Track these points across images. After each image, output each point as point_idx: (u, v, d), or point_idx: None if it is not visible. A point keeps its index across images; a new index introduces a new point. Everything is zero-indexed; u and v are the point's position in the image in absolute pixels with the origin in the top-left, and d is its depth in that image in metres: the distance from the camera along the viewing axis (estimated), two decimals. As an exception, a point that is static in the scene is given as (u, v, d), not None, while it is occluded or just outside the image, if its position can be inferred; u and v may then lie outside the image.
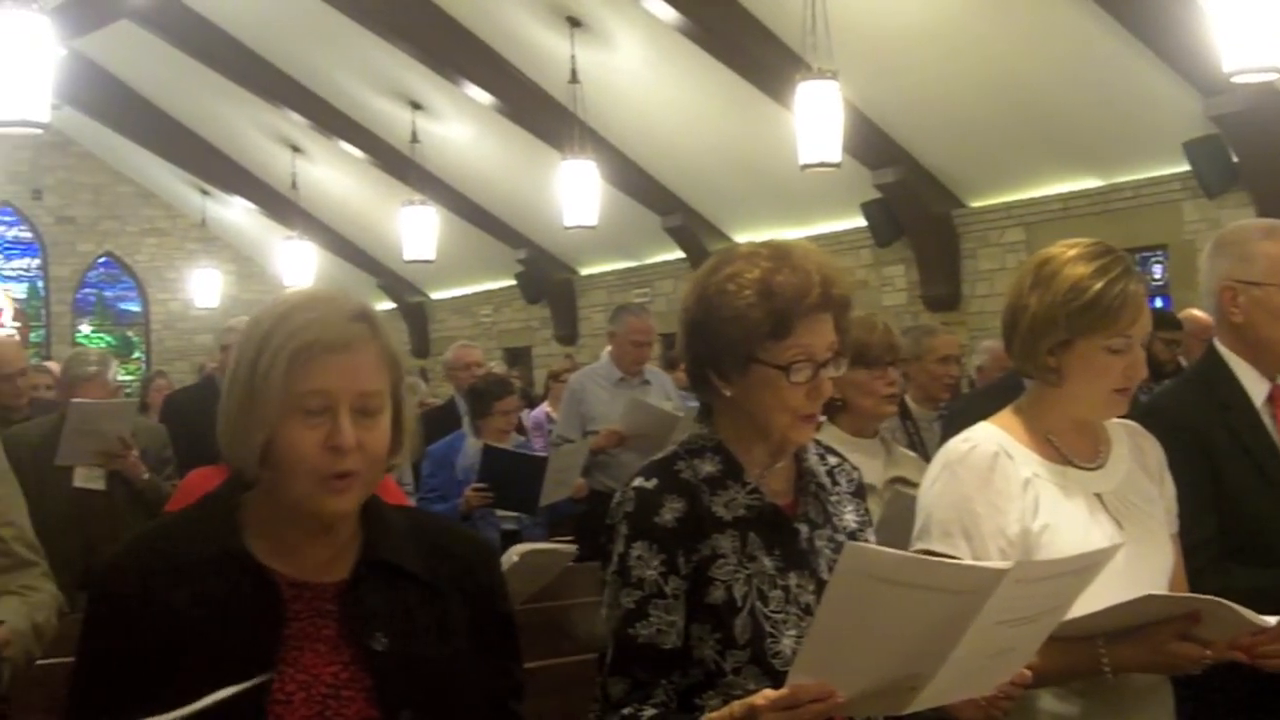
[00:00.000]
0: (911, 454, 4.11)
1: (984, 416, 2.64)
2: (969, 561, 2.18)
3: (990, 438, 2.54)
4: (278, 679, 1.86)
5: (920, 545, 2.50)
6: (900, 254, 11.33)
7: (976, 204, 10.80)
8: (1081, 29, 8.46)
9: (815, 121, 8.29)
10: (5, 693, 1.96)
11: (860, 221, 11.25)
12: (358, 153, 14.35)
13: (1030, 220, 10.34)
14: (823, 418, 3.58)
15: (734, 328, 2.20)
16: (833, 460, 2.43)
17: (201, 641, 1.81)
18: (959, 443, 2.56)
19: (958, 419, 3.97)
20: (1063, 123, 9.36)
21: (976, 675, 2.02)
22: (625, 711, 2.16)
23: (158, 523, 2.06)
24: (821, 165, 8.39)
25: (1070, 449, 2.54)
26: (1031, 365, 2.54)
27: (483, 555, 2.14)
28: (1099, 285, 2.44)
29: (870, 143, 10.17)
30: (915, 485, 3.49)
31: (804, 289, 2.19)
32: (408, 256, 13.17)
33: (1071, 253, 2.50)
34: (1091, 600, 2.17)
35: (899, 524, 3.13)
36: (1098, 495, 2.52)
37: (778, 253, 2.25)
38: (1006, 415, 2.61)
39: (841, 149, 8.43)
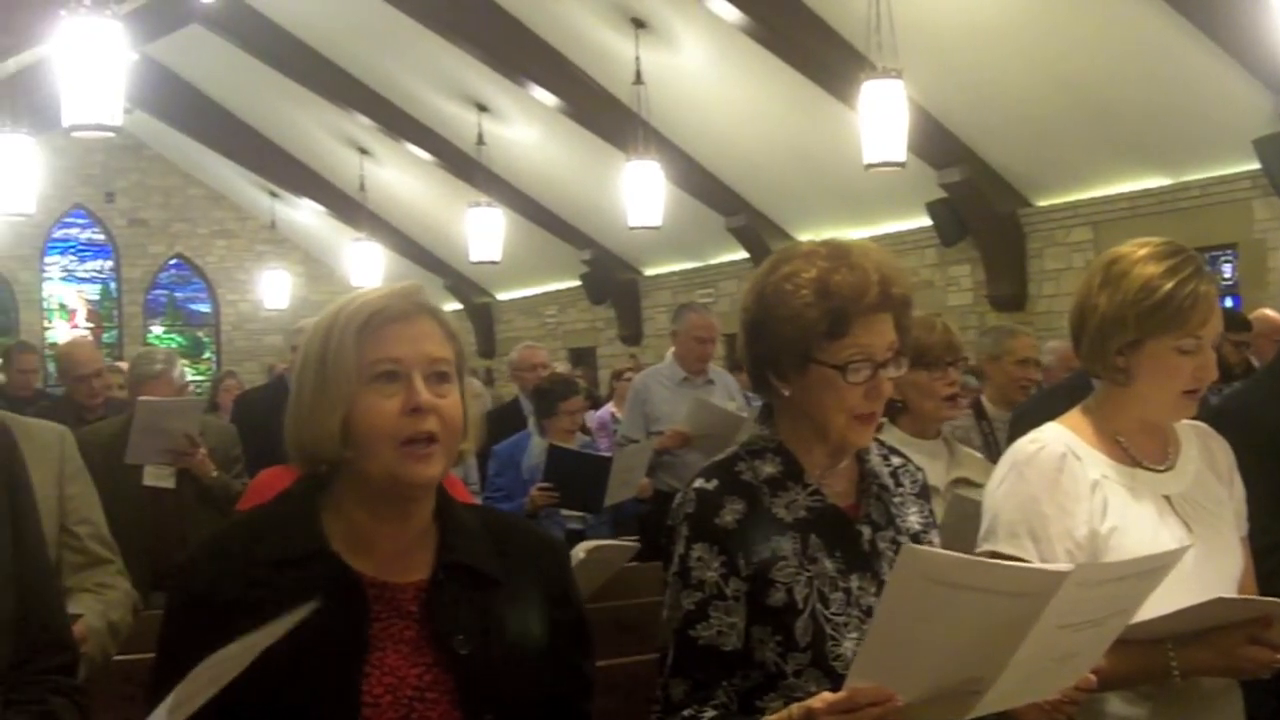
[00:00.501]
0: (976, 454, 4.07)
1: (1050, 417, 2.62)
2: (1029, 564, 2.16)
3: (1058, 438, 2.52)
4: (366, 682, 1.87)
5: (987, 546, 2.48)
6: (966, 254, 11.25)
7: (1043, 203, 10.69)
8: (1149, 25, 8.36)
9: (880, 120, 8.25)
10: (82, 688, 1.99)
11: (925, 221, 11.18)
12: (425, 155, 14.44)
13: (1097, 219, 10.23)
14: (883, 419, 3.58)
15: (790, 327, 2.19)
16: (896, 461, 2.41)
17: (286, 640, 1.80)
18: (1026, 443, 2.54)
19: (1024, 420, 3.94)
20: (1130, 120, 9.25)
21: (1040, 679, 1.99)
22: (686, 713, 2.16)
23: (238, 520, 2.08)
24: (886, 164, 8.35)
25: (1139, 450, 2.52)
26: (1100, 366, 2.51)
27: (555, 553, 2.14)
28: (1169, 285, 2.41)
29: (935, 141, 10.10)
30: (979, 486, 3.47)
31: (862, 288, 2.18)
32: (474, 258, 13.24)
33: (1142, 252, 2.47)
34: (1160, 603, 2.14)
35: (960, 528, 3.11)
36: (1166, 497, 2.49)
37: (836, 251, 2.23)
38: (1074, 416, 2.58)
39: (906, 148, 8.38)
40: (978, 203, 10.69)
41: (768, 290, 2.24)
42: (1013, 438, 3.06)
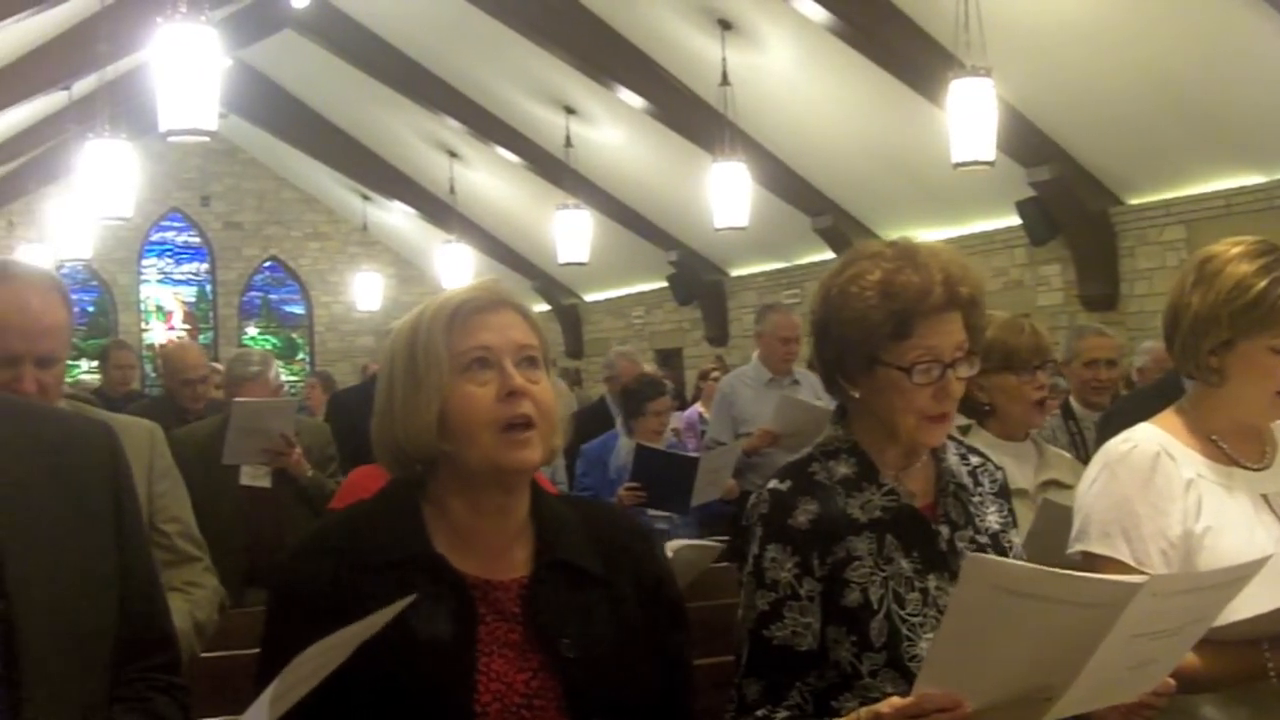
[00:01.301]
0: (1066, 455, 4.01)
1: (1141, 418, 2.59)
2: (1101, 575, 2.12)
3: (1151, 438, 2.48)
4: (475, 691, 1.86)
5: (1079, 547, 2.46)
6: (1056, 253, 11.11)
7: (1135, 201, 10.53)
8: (1243, 21, 8.21)
9: (968, 119, 8.18)
10: (184, 685, 2.03)
11: (1015, 220, 11.06)
12: (513, 158, 14.54)
13: (1191, 218, 10.05)
14: (969, 421, 3.55)
15: (855, 329, 2.19)
16: (975, 461, 2.40)
17: (394, 640, 1.80)
18: (1119, 443, 2.51)
19: (1115, 420, 3.88)
20: (1225, 117, 9.08)
21: (1114, 687, 1.98)
22: (760, 713, 2.16)
23: (339, 518, 2.09)
24: (975, 163, 8.28)
25: (1236, 450, 2.48)
26: (1193, 365, 2.48)
27: (648, 543, 2.14)
28: (1263, 284, 2.37)
29: (1025, 140, 9.99)
30: (1068, 487, 3.44)
31: (925, 288, 2.17)
32: (562, 259, 13.30)
33: (1235, 250, 2.44)
34: (1255, 602, 2.11)
35: (1050, 534, 3.07)
36: (1264, 496, 2.45)
37: (902, 252, 2.22)
38: (1168, 416, 2.55)
39: (995, 146, 8.31)
40: (1068, 201, 10.55)
41: (833, 292, 2.24)
42: (1102, 439, 3.02)
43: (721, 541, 5.64)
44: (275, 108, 16.52)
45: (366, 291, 18.78)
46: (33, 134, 14.11)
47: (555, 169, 13.79)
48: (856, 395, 2.24)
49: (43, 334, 2.62)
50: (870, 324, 2.17)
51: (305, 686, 1.67)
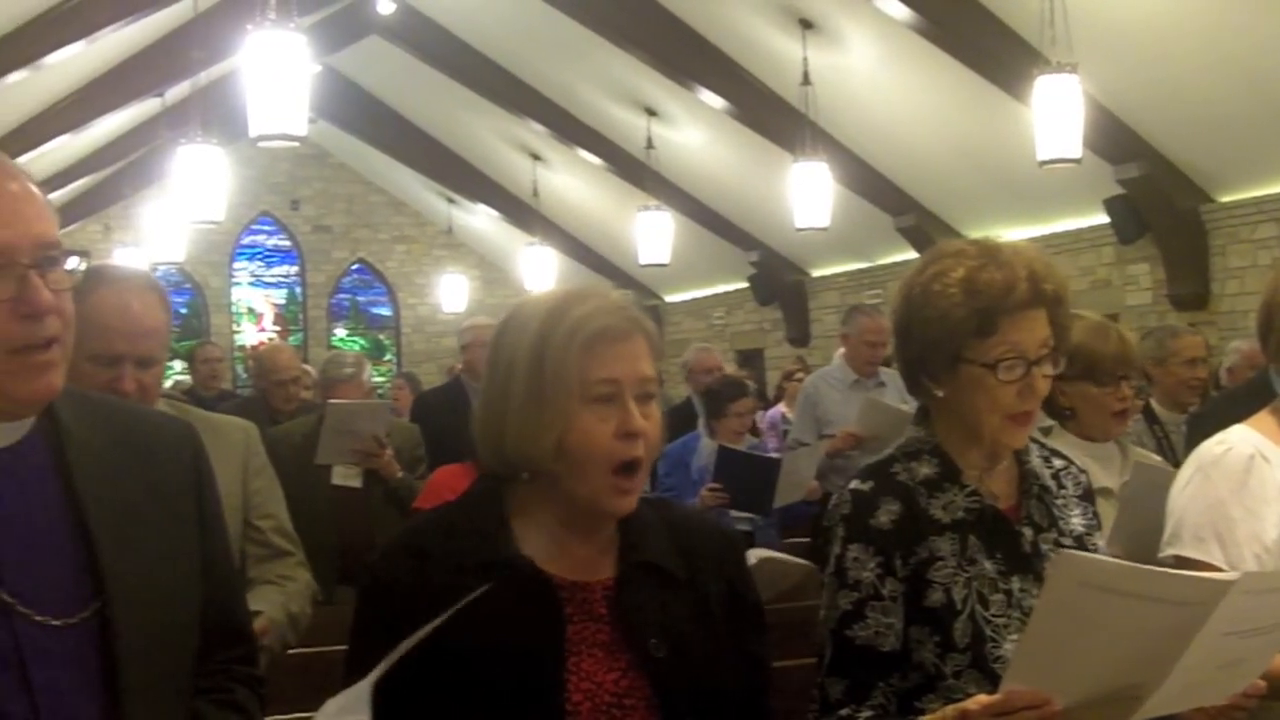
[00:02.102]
0: (1153, 456, 3.96)
1: (1231, 419, 2.56)
2: (1192, 572, 2.11)
3: (1245, 440, 2.46)
4: (566, 690, 1.88)
5: (1171, 551, 2.44)
6: (1145, 251, 10.95)
7: (1226, 199, 10.36)
8: (1338, 14, 8.07)
9: (1054, 116, 8.10)
10: (261, 678, 2.08)
11: (1102, 218, 10.92)
12: (595, 160, 14.59)
13: (1284, 215, 9.90)
14: (1050, 422, 3.52)
15: (939, 327, 2.18)
16: (1058, 463, 2.38)
17: (484, 642, 1.83)
18: (1213, 445, 2.49)
19: (1205, 422, 3.83)
20: (1320, 113, 8.93)
21: (1204, 686, 1.95)
22: (843, 712, 2.16)
23: (429, 518, 2.09)
24: (1061, 161, 8.20)
25: None
26: None
27: (731, 546, 2.14)
28: None
29: (1112, 137, 9.87)
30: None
31: (1009, 285, 2.16)
32: (643, 260, 13.32)
33: None
34: None
35: (1142, 498, 3.04)
36: None
37: (985, 250, 2.21)
38: (1263, 418, 2.53)
39: (1082, 144, 8.22)
40: (1157, 199, 10.40)
41: (915, 291, 2.24)
42: (1192, 441, 2.99)
43: (803, 542, 5.61)
44: (362, 112, 16.71)
45: (452, 293, 18.90)
46: (128, 140, 14.40)
47: (636, 170, 13.82)
48: (940, 394, 2.23)
49: (143, 335, 2.69)
50: (954, 321, 2.17)
51: (376, 674, 1.71)
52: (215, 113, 11.12)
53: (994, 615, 2.17)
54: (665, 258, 13.22)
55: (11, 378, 1.68)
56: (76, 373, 1.83)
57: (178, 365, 14.38)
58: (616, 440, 1.88)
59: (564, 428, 1.87)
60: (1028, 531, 2.25)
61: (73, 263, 1.74)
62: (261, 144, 7.63)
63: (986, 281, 2.16)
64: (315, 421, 5.60)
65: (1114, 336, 3.50)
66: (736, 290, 16.33)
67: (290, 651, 3.42)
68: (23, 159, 7.97)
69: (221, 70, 12.13)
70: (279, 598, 3.05)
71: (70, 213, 15.83)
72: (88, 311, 2.22)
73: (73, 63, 10.25)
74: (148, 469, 1.87)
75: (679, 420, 7.23)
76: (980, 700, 1.91)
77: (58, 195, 14.25)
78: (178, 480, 1.92)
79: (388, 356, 20.22)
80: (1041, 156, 8.21)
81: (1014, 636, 2.14)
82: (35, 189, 1.73)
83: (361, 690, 1.69)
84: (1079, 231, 11.30)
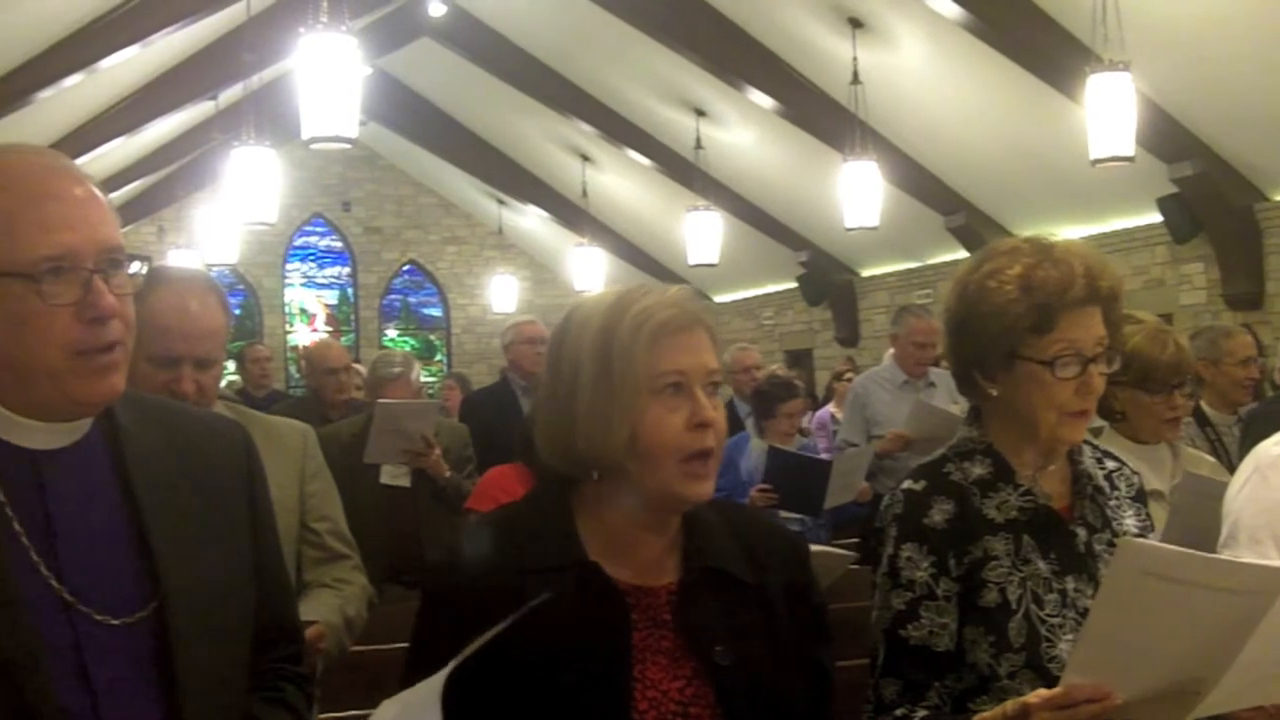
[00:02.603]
0: (1205, 457, 3.92)
1: (1288, 418, 2.55)
2: (1254, 560, 2.10)
3: None
4: (632, 698, 1.87)
5: (1227, 552, 2.42)
6: (1199, 250, 10.84)
7: (1282, 196, 10.26)
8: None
9: (1107, 114, 8.02)
10: (308, 676, 2.09)
11: (1155, 217, 10.82)
12: (644, 160, 14.60)
13: (1342, 213, 9.77)
14: (1101, 423, 3.50)
15: (996, 323, 2.18)
16: (1111, 464, 2.38)
17: (550, 648, 1.83)
18: (1271, 445, 2.47)
19: (1260, 422, 3.80)
20: (1378, 109, 8.80)
21: (1265, 684, 1.92)
22: (898, 713, 2.16)
23: (492, 520, 2.08)
24: (1114, 159, 8.12)
25: None
26: None
27: (796, 549, 2.13)
28: None
29: (1166, 135, 9.77)
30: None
31: (1066, 282, 2.16)
32: (692, 261, 13.31)
33: None
34: None
35: (1192, 509, 3.01)
36: None
37: (1039, 247, 2.21)
38: (1322, 417, 2.51)
39: (1135, 142, 8.15)
40: (1211, 197, 10.28)
41: (971, 288, 2.24)
42: (1247, 441, 2.95)
43: (853, 543, 5.59)
44: (413, 115, 16.79)
45: (502, 294, 18.96)
46: (181, 143, 14.53)
47: (685, 171, 13.82)
48: (994, 393, 2.23)
49: (201, 336, 2.69)
50: (1011, 318, 2.17)
51: (439, 678, 1.71)
52: (268, 115, 11.18)
53: (1049, 615, 2.16)
54: (714, 258, 13.21)
55: (75, 379, 1.70)
56: (135, 374, 1.85)
57: (230, 365, 14.52)
58: (688, 431, 1.88)
59: (636, 421, 1.87)
60: (1081, 532, 2.25)
61: (135, 267, 1.76)
62: (313, 146, 7.66)
63: (1043, 278, 2.16)
64: (364, 421, 5.62)
65: (1171, 344, 3.46)
66: (786, 290, 16.30)
67: (343, 649, 3.44)
68: (79, 161, 8.06)
69: (274, 73, 12.24)
70: (335, 602, 3.04)
71: (125, 215, 15.95)
72: (146, 312, 2.22)
73: (127, 66, 10.36)
74: (202, 470, 1.89)
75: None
76: (1041, 694, 1.90)
77: (113, 197, 14.20)
78: (231, 482, 1.94)
79: (438, 357, 20.30)
80: (1094, 155, 8.14)
81: (1069, 636, 2.13)
82: (99, 193, 1.75)
83: (429, 693, 1.69)
84: (1132, 230, 11.19)
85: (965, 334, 2.25)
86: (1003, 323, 2.18)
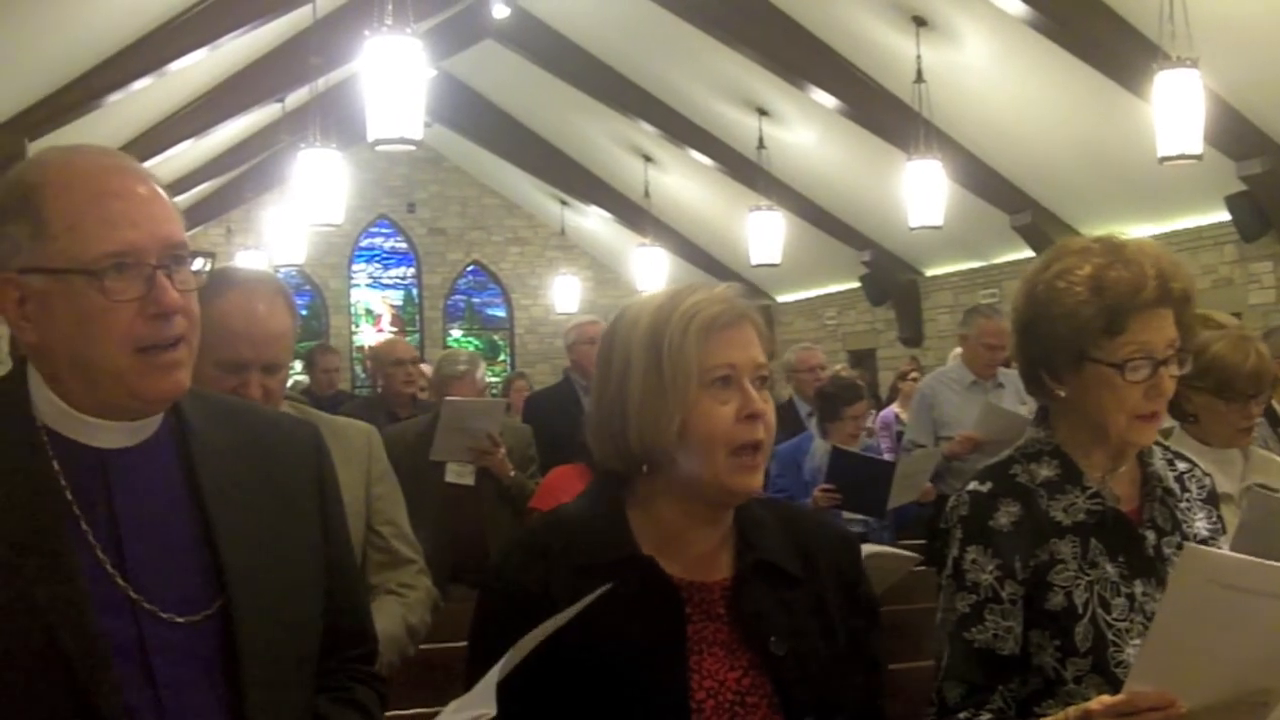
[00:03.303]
0: (1276, 459, 3.87)
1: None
2: None
3: None
4: (690, 688, 1.89)
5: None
6: (1268, 249, 10.68)
7: (1354, 194, 10.08)
8: None
9: (1174, 112, 7.93)
10: (381, 676, 2.09)
11: (1224, 215, 10.67)
12: (706, 160, 14.59)
13: None
14: (1172, 423, 3.45)
15: (1066, 325, 2.16)
16: (1181, 466, 2.35)
17: (607, 641, 1.85)
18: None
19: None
20: None
21: None
22: (961, 716, 2.15)
23: (548, 519, 2.11)
24: (1181, 157, 8.02)
25: None
26: None
27: (848, 547, 2.14)
28: None
29: (1234, 132, 9.64)
30: (1277, 491, 3.33)
31: (1138, 284, 2.13)
32: (754, 260, 13.28)
33: None
34: None
35: (1261, 527, 2.97)
36: None
37: (1110, 248, 2.19)
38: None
39: (1203, 140, 8.05)
40: (1281, 195, 10.16)
41: (1040, 288, 2.21)
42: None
43: (915, 545, 5.56)
44: (477, 116, 16.86)
45: (565, 294, 19.00)
46: (249, 145, 14.68)
47: (748, 171, 13.80)
48: (1062, 394, 2.21)
49: (269, 341, 2.66)
50: (1081, 320, 2.14)
51: (498, 675, 1.72)
52: (334, 117, 11.28)
53: (1116, 619, 2.14)
54: (777, 258, 13.17)
55: (139, 376, 1.71)
56: (202, 378, 1.86)
57: (297, 365, 14.65)
58: (738, 423, 1.90)
59: (686, 413, 1.89)
60: (1150, 535, 2.23)
61: (199, 263, 1.78)
62: (379, 148, 7.71)
63: (1115, 279, 2.13)
64: (430, 420, 5.65)
65: (1253, 354, 3.40)
66: (849, 290, 16.23)
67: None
68: (148, 163, 8.19)
69: (340, 76, 12.33)
70: (398, 610, 3.03)
71: (193, 216, 16.17)
72: (214, 316, 2.23)
73: (196, 69, 10.48)
74: (271, 469, 1.90)
75: (779, 421, 7.18)
76: (1104, 700, 1.89)
77: (181, 199, 14.56)
78: (301, 480, 1.94)
79: (502, 357, 20.38)
80: (1162, 153, 8.05)
81: (1136, 641, 2.11)
82: (162, 191, 1.77)
83: (485, 686, 1.71)
84: (1200, 229, 11.05)
85: (1034, 335, 2.23)
86: (1073, 324, 2.15)
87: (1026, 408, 6.65)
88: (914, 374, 9.96)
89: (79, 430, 1.75)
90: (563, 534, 1.98)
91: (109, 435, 1.76)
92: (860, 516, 6.24)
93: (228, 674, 1.75)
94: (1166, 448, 2.38)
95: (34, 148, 8.63)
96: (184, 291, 1.74)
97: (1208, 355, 3.23)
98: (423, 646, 3.59)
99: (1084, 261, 2.17)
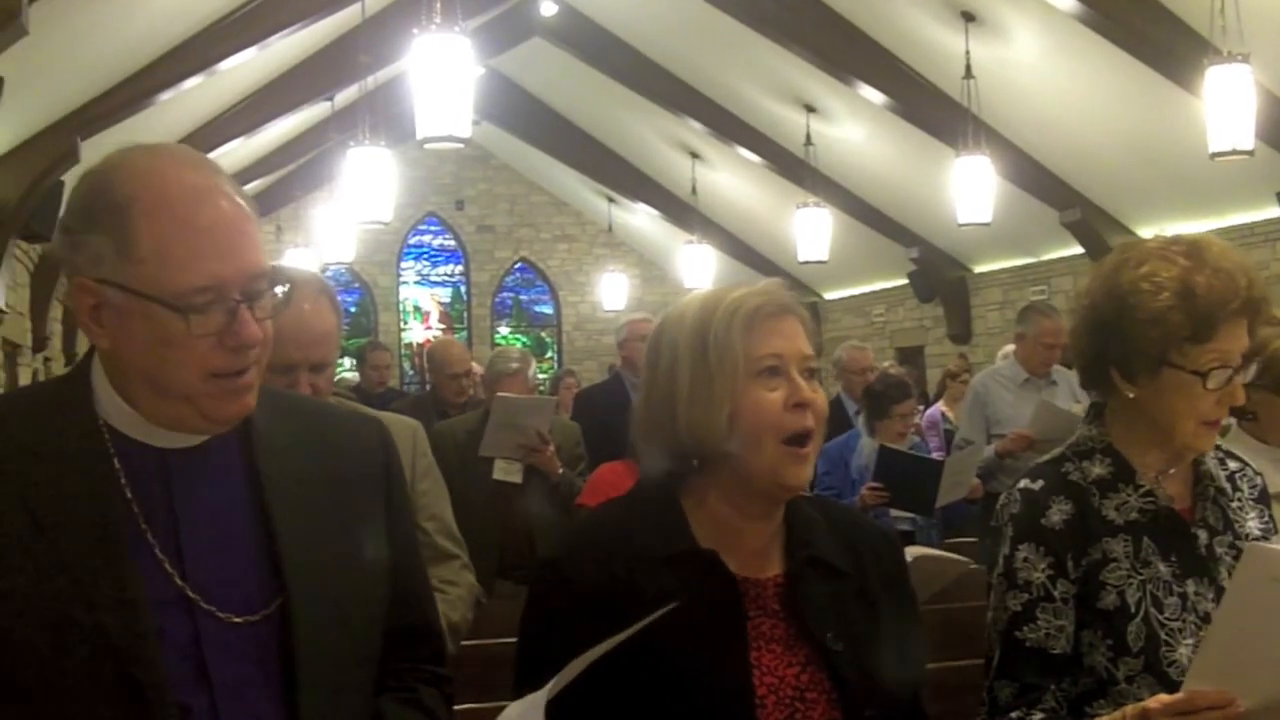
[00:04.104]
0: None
1: None
2: None
3: None
4: (752, 683, 1.89)
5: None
6: (1323, 245, 10.58)
7: None
8: None
9: (1226, 107, 7.86)
10: (448, 677, 2.09)
11: (1275, 211, 10.54)
12: (754, 157, 14.56)
13: None
14: (1230, 420, 3.42)
15: (1151, 329, 2.13)
16: (1233, 465, 2.34)
17: (670, 635, 1.82)
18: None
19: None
20: None
21: None
22: (1013, 715, 2.14)
23: (602, 515, 2.13)
24: (1233, 153, 7.95)
25: None
26: None
27: (892, 545, 2.14)
28: None
29: (1288, 127, 9.54)
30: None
31: (1230, 293, 2.11)
32: (802, 258, 13.24)
33: None
34: None
35: None
36: None
37: (1193, 250, 2.15)
38: None
39: (1254, 135, 7.97)
40: (1335, 191, 10.03)
41: (1124, 288, 2.17)
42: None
43: (966, 543, 5.52)
44: (525, 114, 16.90)
45: (612, 292, 19.01)
46: (298, 143, 14.77)
47: (795, 167, 13.76)
48: (1131, 395, 2.19)
49: (315, 342, 2.70)
50: (1169, 326, 2.11)
51: (554, 689, 1.71)
52: (382, 115, 11.31)
53: (1168, 619, 2.13)
54: (824, 255, 13.13)
55: (210, 400, 1.71)
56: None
57: (346, 362, 14.73)
58: (787, 411, 1.91)
59: (735, 403, 1.90)
60: (1203, 534, 2.21)
61: (278, 290, 1.76)
62: (427, 146, 7.73)
63: (1206, 287, 2.10)
64: (479, 417, 5.67)
65: None
66: (896, 287, 16.16)
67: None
68: (201, 164, 8.23)
69: (389, 74, 12.39)
70: (440, 607, 2.99)
71: (244, 215, 16.24)
72: None
73: (246, 68, 10.56)
74: (336, 467, 1.89)
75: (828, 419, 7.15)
76: (1162, 699, 1.88)
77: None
78: (366, 478, 1.93)
79: (549, 354, 20.43)
80: (1213, 148, 7.98)
81: (1189, 640, 2.11)
82: (246, 206, 1.75)
83: (535, 706, 1.70)
84: (1252, 225, 10.92)
85: (1112, 334, 2.19)
86: (1158, 330, 2.12)
87: (1079, 406, 6.60)
88: (965, 375, 9.89)
89: (142, 431, 1.75)
90: (619, 526, 1.99)
91: (172, 437, 1.76)
92: (908, 515, 6.22)
93: (283, 674, 1.74)
94: (1219, 447, 2.36)
95: (86, 147, 8.75)
96: (262, 320, 1.73)
97: (1267, 352, 3.21)
98: (470, 643, 3.61)
99: (1168, 264, 2.14)
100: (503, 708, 1.74)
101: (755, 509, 1.97)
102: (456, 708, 3.44)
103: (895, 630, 2.01)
